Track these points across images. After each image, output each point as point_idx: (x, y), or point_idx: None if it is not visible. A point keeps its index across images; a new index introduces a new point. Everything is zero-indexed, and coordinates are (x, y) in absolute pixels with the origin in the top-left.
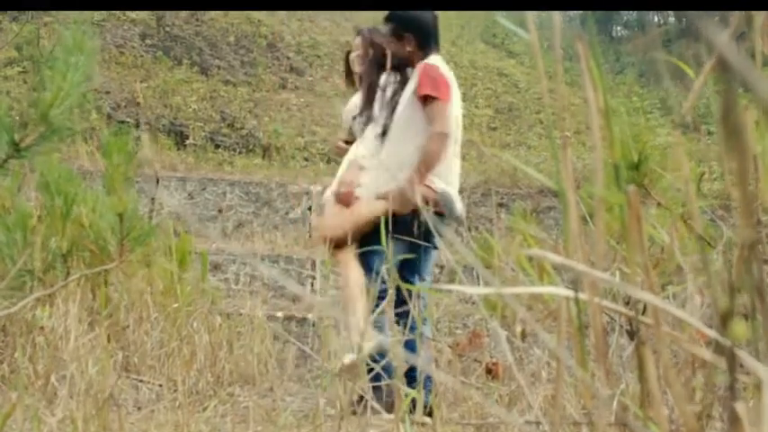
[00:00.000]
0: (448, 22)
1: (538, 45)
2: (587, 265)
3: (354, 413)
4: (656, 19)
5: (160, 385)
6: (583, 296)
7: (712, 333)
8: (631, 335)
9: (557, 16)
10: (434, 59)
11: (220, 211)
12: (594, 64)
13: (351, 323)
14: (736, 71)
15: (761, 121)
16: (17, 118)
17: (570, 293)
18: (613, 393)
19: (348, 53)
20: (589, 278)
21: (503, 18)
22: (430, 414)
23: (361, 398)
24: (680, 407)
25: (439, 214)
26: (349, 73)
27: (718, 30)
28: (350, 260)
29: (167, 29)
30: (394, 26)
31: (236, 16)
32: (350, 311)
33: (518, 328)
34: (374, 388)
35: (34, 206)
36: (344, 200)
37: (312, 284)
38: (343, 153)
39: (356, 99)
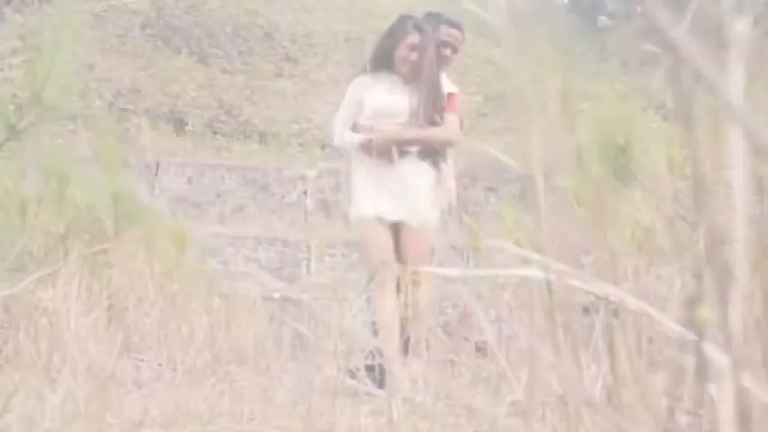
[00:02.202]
0: None
1: (505, 28)
2: (561, 249)
3: (353, 377)
4: (640, 9)
5: (159, 364)
6: (552, 279)
7: (676, 326)
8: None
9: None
10: None
11: (219, 195)
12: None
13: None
14: (690, 62)
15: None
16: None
17: (540, 276)
18: (580, 374)
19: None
20: (556, 266)
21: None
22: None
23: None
24: (646, 387)
25: None
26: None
27: (673, 19)
28: (389, 286)
29: (167, 19)
30: (459, 29)
31: (233, 7)
32: (384, 340)
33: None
34: (366, 366)
35: (34, 190)
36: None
37: (307, 266)
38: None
39: (382, 86)
